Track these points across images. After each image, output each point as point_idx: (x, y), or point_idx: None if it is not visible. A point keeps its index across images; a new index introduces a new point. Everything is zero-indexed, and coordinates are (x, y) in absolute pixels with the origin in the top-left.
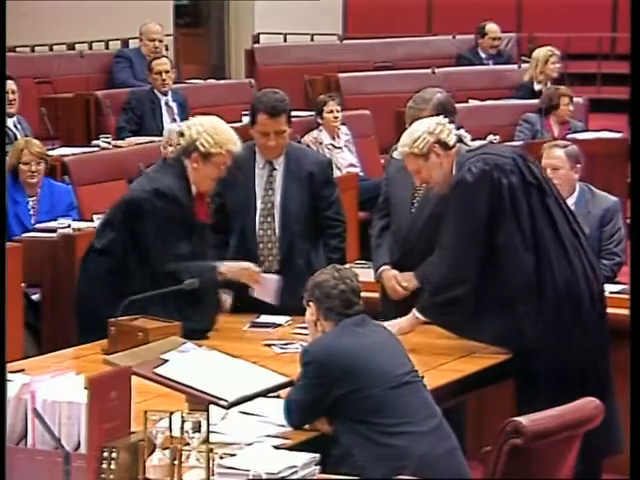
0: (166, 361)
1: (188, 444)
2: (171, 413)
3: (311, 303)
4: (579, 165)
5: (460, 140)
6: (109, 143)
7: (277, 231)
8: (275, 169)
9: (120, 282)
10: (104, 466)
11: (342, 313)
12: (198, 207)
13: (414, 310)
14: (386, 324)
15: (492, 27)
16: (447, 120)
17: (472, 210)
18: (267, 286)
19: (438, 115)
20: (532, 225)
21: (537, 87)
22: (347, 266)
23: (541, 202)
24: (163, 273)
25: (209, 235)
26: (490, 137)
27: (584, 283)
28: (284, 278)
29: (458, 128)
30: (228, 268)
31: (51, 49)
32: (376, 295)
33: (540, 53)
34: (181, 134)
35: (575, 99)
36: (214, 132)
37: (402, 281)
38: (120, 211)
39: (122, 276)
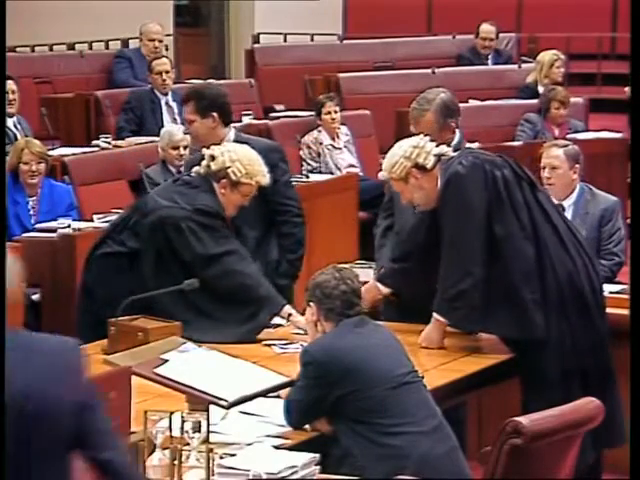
0: (166, 361)
1: (188, 444)
2: (171, 413)
3: (312, 303)
4: (578, 165)
5: (440, 158)
6: (109, 143)
7: None
8: None
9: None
10: None
11: (343, 314)
12: None
13: (433, 313)
14: (421, 339)
15: (484, 28)
16: (427, 139)
17: (469, 202)
18: None
19: (442, 115)
20: (529, 216)
21: (541, 90)
22: (347, 266)
23: (533, 195)
24: (233, 285)
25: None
26: (468, 145)
27: (584, 275)
28: None
29: (455, 127)
30: (294, 320)
31: (51, 49)
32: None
33: (545, 57)
34: (212, 157)
35: (575, 99)
36: (247, 162)
37: None
38: (153, 227)
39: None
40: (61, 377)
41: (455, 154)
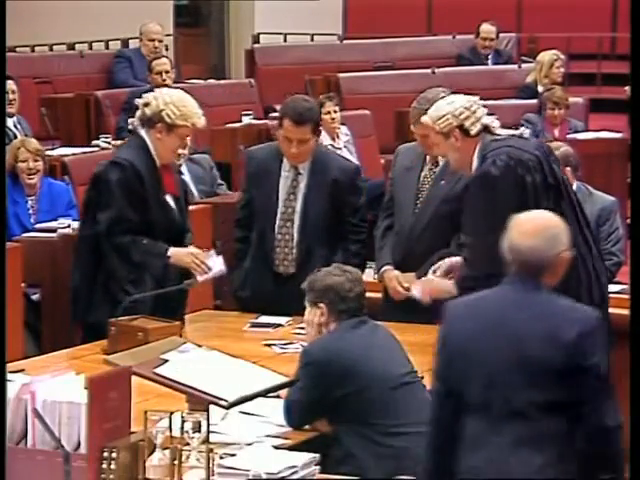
0: (166, 361)
1: (188, 444)
2: (171, 413)
3: (322, 304)
4: (568, 168)
5: (486, 128)
6: (109, 143)
7: (295, 236)
8: (300, 174)
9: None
10: (104, 466)
11: (355, 315)
12: (165, 179)
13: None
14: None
15: (485, 28)
16: (481, 103)
17: (497, 205)
18: (213, 266)
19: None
20: None
21: (541, 89)
22: None
23: (556, 205)
24: (112, 245)
25: (183, 206)
26: (522, 129)
27: (585, 290)
28: (300, 282)
29: (489, 114)
30: (175, 253)
31: (51, 49)
32: (378, 295)
33: (545, 57)
34: (146, 104)
35: (575, 99)
36: (181, 104)
37: (404, 282)
38: (88, 188)
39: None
40: None
41: (500, 136)
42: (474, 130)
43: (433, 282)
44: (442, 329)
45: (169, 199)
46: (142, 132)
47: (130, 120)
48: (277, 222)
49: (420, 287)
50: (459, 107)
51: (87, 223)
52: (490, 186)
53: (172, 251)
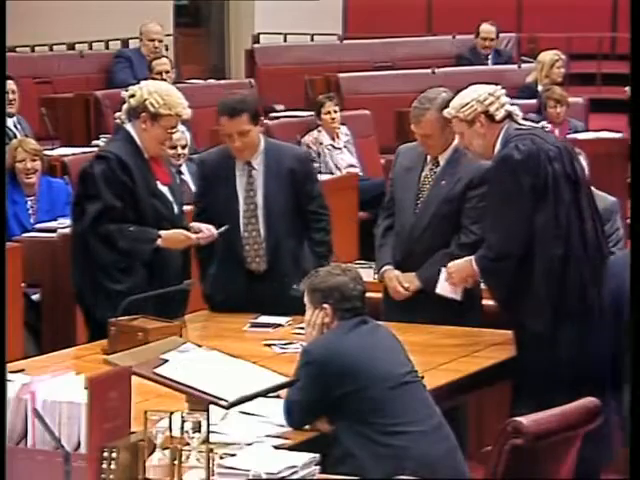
0: (166, 361)
1: (188, 444)
2: (171, 413)
3: (326, 305)
4: None
5: (510, 115)
6: None
7: (262, 232)
8: (254, 169)
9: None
10: (104, 466)
11: (359, 314)
12: (156, 170)
13: (473, 258)
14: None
15: (484, 28)
16: (503, 92)
17: (519, 188)
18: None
19: (443, 114)
20: (567, 216)
21: (541, 89)
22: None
23: (575, 200)
24: (99, 235)
25: (178, 195)
26: (543, 123)
27: (593, 289)
28: (273, 277)
29: (512, 104)
30: (165, 237)
31: (51, 49)
32: (378, 295)
33: (546, 57)
34: (132, 95)
35: (575, 99)
36: (165, 93)
37: (404, 282)
38: (75, 190)
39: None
40: None
41: (524, 125)
42: (499, 115)
43: (451, 268)
44: (610, 283)
45: (164, 189)
46: (128, 125)
47: (117, 114)
48: (241, 221)
49: (444, 281)
50: (483, 93)
51: (78, 220)
52: (511, 169)
53: (165, 234)
